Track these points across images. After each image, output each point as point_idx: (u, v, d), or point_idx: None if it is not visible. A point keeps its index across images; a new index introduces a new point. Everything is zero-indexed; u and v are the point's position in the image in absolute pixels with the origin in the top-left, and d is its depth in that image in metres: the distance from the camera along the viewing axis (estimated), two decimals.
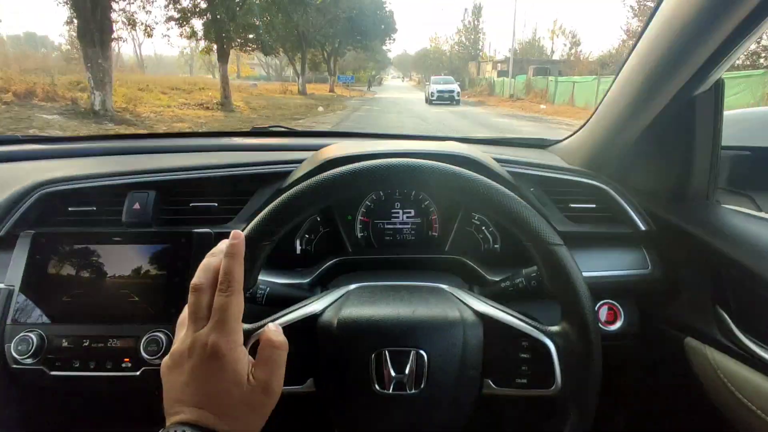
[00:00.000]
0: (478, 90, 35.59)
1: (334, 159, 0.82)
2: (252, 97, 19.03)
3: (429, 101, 22.99)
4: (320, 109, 15.92)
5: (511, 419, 0.86)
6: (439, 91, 22.75)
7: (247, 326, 0.54)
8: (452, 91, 23.05)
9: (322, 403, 0.58)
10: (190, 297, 0.48)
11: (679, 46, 0.71)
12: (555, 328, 0.57)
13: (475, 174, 0.56)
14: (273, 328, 0.51)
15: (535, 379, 0.56)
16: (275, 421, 0.49)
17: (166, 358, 0.49)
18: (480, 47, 54.89)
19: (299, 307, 0.59)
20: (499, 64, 40.34)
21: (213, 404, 0.46)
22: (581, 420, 0.56)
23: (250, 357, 0.49)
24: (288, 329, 0.53)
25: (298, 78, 25.58)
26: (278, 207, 0.55)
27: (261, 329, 0.53)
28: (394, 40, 35.46)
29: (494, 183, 0.56)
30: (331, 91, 30.07)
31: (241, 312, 0.49)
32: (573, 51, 43.33)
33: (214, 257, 0.51)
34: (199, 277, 0.49)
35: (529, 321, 0.57)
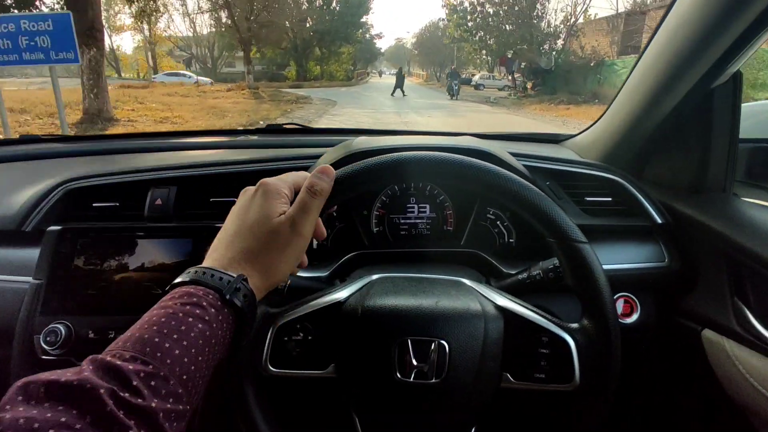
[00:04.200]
0: None
1: (364, 150, 0.84)
2: None
3: None
4: None
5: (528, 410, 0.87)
6: None
7: (273, 310, 0.56)
8: None
9: (342, 388, 0.59)
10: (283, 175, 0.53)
11: (696, 38, 0.71)
12: (575, 325, 0.57)
13: (504, 170, 0.56)
14: (319, 173, 0.52)
15: (553, 375, 0.56)
16: (296, 402, 0.51)
17: None
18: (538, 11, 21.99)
19: (324, 294, 0.60)
20: None
21: (244, 236, 0.48)
22: (597, 413, 0.56)
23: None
24: (312, 315, 0.54)
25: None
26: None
27: (290, 312, 0.55)
28: None
29: (521, 179, 0.56)
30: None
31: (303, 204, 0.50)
32: None
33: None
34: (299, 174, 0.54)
35: (550, 317, 0.57)
